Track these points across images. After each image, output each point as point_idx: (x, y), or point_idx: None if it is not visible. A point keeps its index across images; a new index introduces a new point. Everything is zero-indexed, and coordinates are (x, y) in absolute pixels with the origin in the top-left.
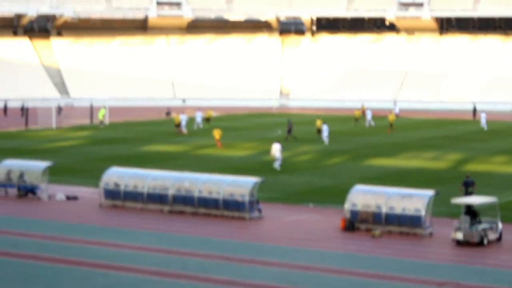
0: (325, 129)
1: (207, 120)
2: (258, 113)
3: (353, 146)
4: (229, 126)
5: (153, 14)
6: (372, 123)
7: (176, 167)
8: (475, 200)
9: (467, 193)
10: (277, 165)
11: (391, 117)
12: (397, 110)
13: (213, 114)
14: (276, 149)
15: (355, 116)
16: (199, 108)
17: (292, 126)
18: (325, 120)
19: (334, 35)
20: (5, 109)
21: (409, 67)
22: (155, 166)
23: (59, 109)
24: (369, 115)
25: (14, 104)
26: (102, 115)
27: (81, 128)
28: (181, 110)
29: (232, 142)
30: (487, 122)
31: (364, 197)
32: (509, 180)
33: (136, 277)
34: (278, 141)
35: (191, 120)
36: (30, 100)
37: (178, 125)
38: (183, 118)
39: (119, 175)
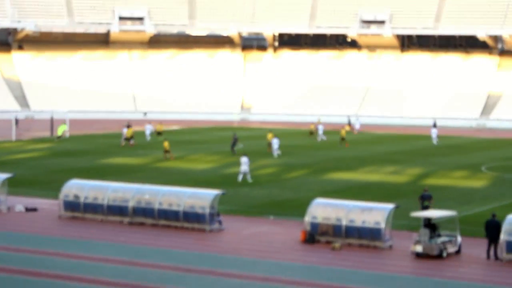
0: (275, 142)
1: (158, 133)
2: (220, 127)
3: (313, 160)
4: (190, 139)
5: (115, 28)
6: (324, 138)
7: (136, 179)
8: (434, 213)
9: (423, 206)
10: (240, 178)
11: (343, 132)
12: (358, 126)
13: (164, 127)
14: (243, 162)
15: (310, 130)
16: (149, 122)
17: (236, 141)
18: (284, 134)
19: (296, 51)
20: None
21: (370, 83)
22: (115, 179)
23: (16, 121)
24: (320, 130)
25: None
26: (62, 131)
27: (41, 140)
28: (135, 123)
29: (193, 155)
30: (439, 137)
31: (324, 210)
32: (468, 194)
33: None
34: (245, 154)
35: (140, 134)
36: None
37: (130, 138)
38: (124, 131)
39: (79, 187)
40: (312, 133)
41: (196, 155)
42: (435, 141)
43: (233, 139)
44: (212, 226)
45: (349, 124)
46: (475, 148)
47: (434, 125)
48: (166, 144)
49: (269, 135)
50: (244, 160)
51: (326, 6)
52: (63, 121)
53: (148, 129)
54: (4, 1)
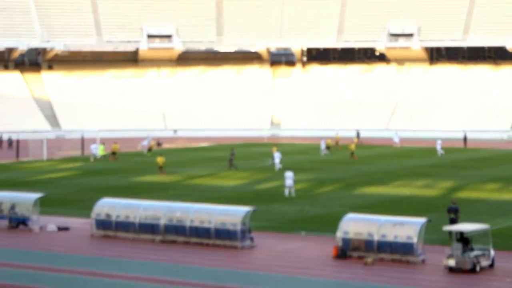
0: (276, 156)
1: (149, 150)
2: (250, 143)
3: (344, 175)
4: (220, 156)
5: (144, 46)
6: (327, 152)
7: (167, 197)
8: (466, 227)
9: (450, 219)
10: (286, 192)
11: (353, 146)
12: (396, 140)
13: (157, 143)
14: (288, 177)
15: (327, 145)
16: (146, 137)
17: (234, 156)
18: (314, 149)
19: (325, 66)
20: (1, 141)
21: (399, 97)
22: (146, 197)
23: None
24: (323, 145)
25: (6, 137)
26: (102, 150)
27: (72, 159)
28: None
29: (223, 172)
30: (443, 148)
31: (356, 225)
32: (500, 207)
33: None
34: (290, 169)
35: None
36: (21, 133)
37: (115, 153)
38: (93, 147)
39: (110, 206)
40: (329, 148)
41: (226, 171)
42: (439, 153)
43: (230, 154)
44: (244, 243)
45: (358, 137)
46: (507, 161)
47: (467, 137)
48: (160, 159)
49: (273, 149)
50: (289, 174)
51: (353, 20)
52: (101, 142)
53: (146, 141)
54: (33, 22)
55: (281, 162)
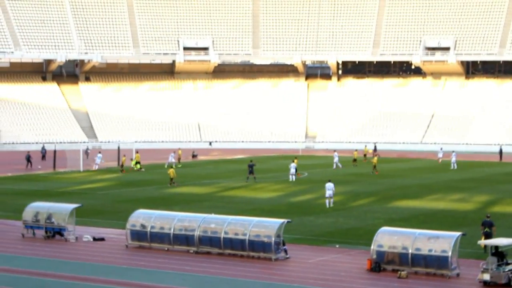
0: (292, 167)
1: (178, 161)
2: (285, 155)
3: (379, 188)
4: (255, 168)
5: (180, 59)
6: (340, 165)
7: (202, 208)
8: (501, 241)
9: (484, 233)
10: (327, 203)
11: (375, 159)
12: (441, 155)
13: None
14: (328, 188)
15: (354, 157)
16: (174, 151)
17: (253, 167)
18: (349, 162)
19: (360, 79)
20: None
21: (435, 111)
22: (181, 208)
23: (87, 152)
24: (336, 157)
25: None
26: (135, 162)
27: (109, 170)
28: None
29: (258, 184)
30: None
31: (390, 238)
32: None
33: None
34: (330, 180)
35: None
36: (58, 144)
37: (123, 166)
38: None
39: (145, 217)
40: (356, 160)
41: (261, 183)
42: (452, 166)
43: (248, 166)
44: (278, 255)
45: (375, 150)
46: None
47: (503, 151)
48: (171, 172)
49: (295, 161)
50: (329, 185)
51: (389, 33)
52: (132, 154)
53: (171, 157)
54: (72, 34)
55: (296, 173)
